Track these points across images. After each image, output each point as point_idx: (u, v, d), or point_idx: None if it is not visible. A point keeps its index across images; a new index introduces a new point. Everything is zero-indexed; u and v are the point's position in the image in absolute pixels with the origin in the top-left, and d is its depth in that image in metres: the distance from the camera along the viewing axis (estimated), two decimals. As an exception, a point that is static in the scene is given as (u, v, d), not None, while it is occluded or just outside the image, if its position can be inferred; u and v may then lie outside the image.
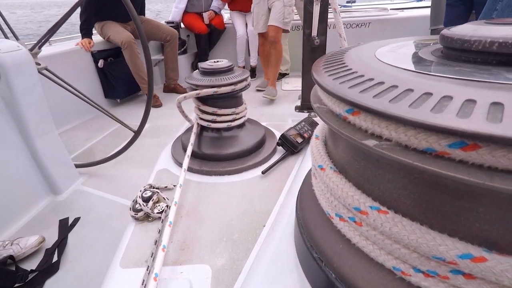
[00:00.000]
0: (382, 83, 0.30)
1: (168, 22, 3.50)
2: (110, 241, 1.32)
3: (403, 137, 0.27)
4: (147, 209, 0.62)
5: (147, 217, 0.64)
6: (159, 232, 0.59)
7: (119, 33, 2.75)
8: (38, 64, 1.48)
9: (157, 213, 0.64)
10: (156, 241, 0.59)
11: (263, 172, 0.81)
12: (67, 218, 1.45)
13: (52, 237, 1.35)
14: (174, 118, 2.65)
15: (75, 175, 1.75)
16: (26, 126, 1.44)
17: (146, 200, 0.68)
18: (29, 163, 1.51)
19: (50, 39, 2.75)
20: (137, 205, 0.64)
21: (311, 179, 0.41)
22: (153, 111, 1.60)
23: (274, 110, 2.70)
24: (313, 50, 2.36)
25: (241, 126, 0.90)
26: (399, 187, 0.33)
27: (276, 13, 2.67)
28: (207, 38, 3.71)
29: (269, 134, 0.98)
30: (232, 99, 0.87)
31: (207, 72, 0.83)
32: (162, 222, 0.62)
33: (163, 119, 2.64)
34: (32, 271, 1.15)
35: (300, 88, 2.70)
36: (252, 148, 0.88)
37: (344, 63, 0.37)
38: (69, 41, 2.92)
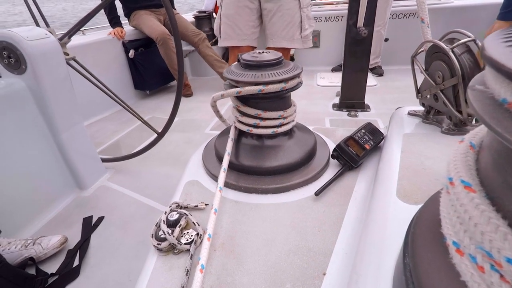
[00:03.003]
0: None
1: (200, 12, 3.39)
2: (132, 246, 1.24)
3: None
4: (173, 239, 0.48)
5: (172, 248, 0.49)
6: (187, 275, 0.45)
7: (154, 28, 2.68)
8: (66, 54, 1.41)
9: (186, 243, 0.50)
10: None
11: (316, 194, 0.64)
12: (91, 217, 1.38)
13: (74, 235, 1.28)
14: (204, 112, 2.54)
15: (102, 169, 1.69)
16: (53, 118, 1.38)
17: (172, 224, 0.54)
18: (55, 157, 1.46)
19: (85, 29, 2.74)
20: (161, 232, 0.50)
21: (446, 246, 0.24)
22: (182, 104, 1.49)
23: (308, 107, 2.50)
24: (357, 42, 2.12)
25: (287, 132, 0.73)
26: None
27: (289, 25, 1.51)
28: (239, 29, 3.55)
29: (319, 142, 0.81)
30: (280, 100, 0.71)
31: (250, 65, 0.66)
32: (191, 258, 0.47)
33: (192, 113, 2.54)
34: (52, 274, 1.08)
35: (338, 84, 2.47)
36: (301, 161, 0.71)
37: None
38: (102, 30, 2.89)
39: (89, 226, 1.33)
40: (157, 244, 0.54)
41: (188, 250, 0.53)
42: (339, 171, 0.71)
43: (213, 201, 0.56)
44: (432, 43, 0.65)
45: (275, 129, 0.70)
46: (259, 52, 0.70)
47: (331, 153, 0.77)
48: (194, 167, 0.78)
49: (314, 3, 3.57)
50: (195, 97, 2.92)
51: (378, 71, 3.14)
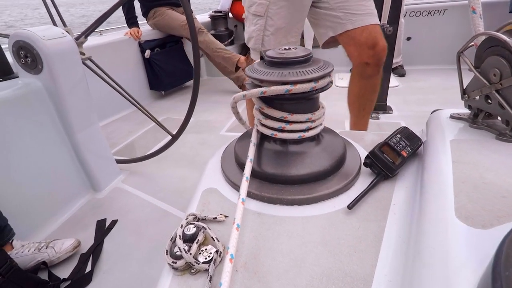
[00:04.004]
0: None
1: (216, 12, 3.36)
2: (145, 251, 1.20)
3: None
4: (190, 257, 0.42)
5: (189, 267, 0.43)
6: None
7: (185, 22, 2.68)
8: (82, 54, 1.39)
9: (204, 262, 0.43)
10: None
11: (349, 207, 0.57)
12: (105, 220, 1.35)
13: (88, 238, 1.26)
14: (219, 113, 2.49)
15: (116, 171, 1.67)
16: (68, 118, 1.36)
17: (189, 240, 0.48)
18: (71, 158, 1.44)
19: (102, 30, 2.75)
20: (176, 249, 0.44)
21: None
22: (196, 104, 1.45)
23: (326, 109, 2.40)
24: (380, 40, 2.02)
25: (314, 137, 0.66)
26: None
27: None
28: (255, 29, 3.50)
29: (348, 147, 0.73)
30: (308, 101, 0.64)
31: (276, 63, 0.60)
32: (210, 280, 0.41)
33: (207, 114, 2.50)
34: (64, 279, 1.05)
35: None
36: (330, 169, 0.64)
37: None
38: (119, 30, 2.90)
39: (102, 229, 1.30)
40: (172, 262, 0.48)
41: (207, 270, 0.47)
42: (373, 181, 0.63)
43: (235, 215, 0.50)
44: (487, 36, 0.56)
45: (301, 134, 0.63)
46: (285, 48, 0.64)
47: (362, 160, 0.69)
48: (211, 173, 0.72)
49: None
50: (210, 98, 2.88)
51: (399, 72, 3.01)
